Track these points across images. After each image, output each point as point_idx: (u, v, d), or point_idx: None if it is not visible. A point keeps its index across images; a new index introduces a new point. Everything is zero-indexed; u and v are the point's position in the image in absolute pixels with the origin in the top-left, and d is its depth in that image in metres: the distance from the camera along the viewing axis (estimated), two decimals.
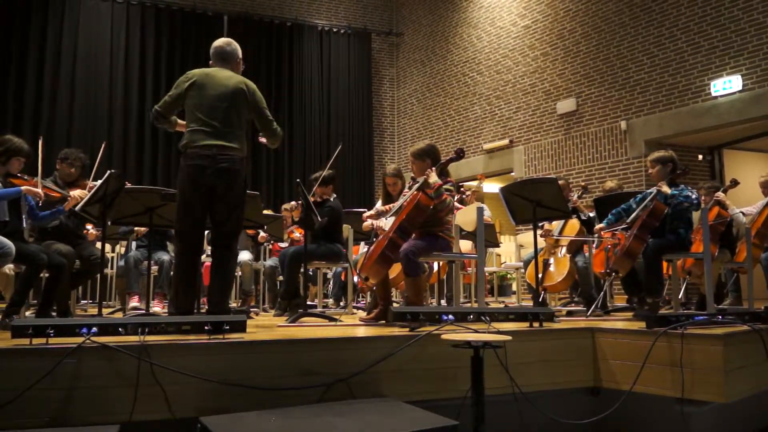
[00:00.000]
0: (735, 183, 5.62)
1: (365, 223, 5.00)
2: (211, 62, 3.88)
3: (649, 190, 4.49)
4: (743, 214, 5.65)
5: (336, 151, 5.32)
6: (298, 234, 6.51)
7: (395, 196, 4.68)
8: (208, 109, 3.60)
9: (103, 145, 4.74)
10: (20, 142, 4.02)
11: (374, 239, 4.48)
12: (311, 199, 4.89)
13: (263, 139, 3.98)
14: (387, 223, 4.48)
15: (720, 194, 5.56)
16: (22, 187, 3.77)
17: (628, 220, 4.31)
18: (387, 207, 4.59)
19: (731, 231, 5.66)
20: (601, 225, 4.49)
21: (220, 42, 3.94)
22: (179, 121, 3.84)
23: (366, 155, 12.48)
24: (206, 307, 3.77)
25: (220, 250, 3.68)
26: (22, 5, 10.24)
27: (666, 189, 4.29)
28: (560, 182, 4.70)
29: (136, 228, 5.67)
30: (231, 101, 3.66)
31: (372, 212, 4.82)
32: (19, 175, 3.95)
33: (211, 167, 3.53)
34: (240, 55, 3.92)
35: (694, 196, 4.26)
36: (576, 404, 3.44)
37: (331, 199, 5.46)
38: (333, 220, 5.26)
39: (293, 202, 5.92)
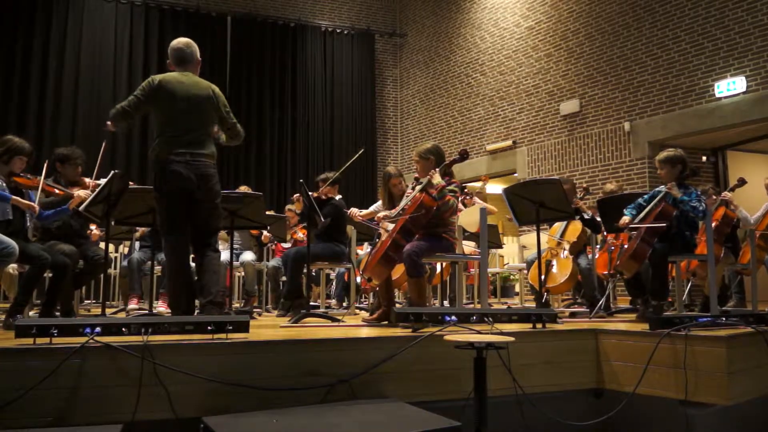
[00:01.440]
0: (742, 182, 5.58)
1: (352, 210, 5.04)
2: (169, 62, 3.88)
3: (658, 189, 4.43)
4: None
5: (357, 154, 5.39)
6: (301, 234, 6.52)
7: (397, 196, 4.68)
8: (179, 120, 3.68)
9: (103, 146, 4.74)
10: (21, 142, 4.03)
11: (377, 240, 4.48)
12: (314, 195, 4.90)
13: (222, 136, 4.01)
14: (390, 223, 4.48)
15: (727, 193, 5.53)
16: (12, 198, 3.77)
17: (636, 220, 4.28)
18: (391, 212, 4.58)
19: (736, 232, 5.64)
20: (627, 218, 4.38)
21: (178, 44, 3.90)
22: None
23: (369, 156, 12.46)
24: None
25: (204, 249, 3.76)
26: (26, 6, 10.27)
27: (676, 192, 4.21)
28: (566, 186, 4.68)
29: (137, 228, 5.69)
30: (201, 110, 3.75)
31: (376, 212, 4.82)
32: (21, 174, 3.96)
33: (186, 173, 3.62)
34: (198, 56, 3.95)
35: (701, 208, 4.14)
36: (579, 406, 3.44)
37: (336, 198, 5.48)
38: (336, 218, 5.29)
39: (296, 195, 5.97)
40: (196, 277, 3.77)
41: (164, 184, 3.65)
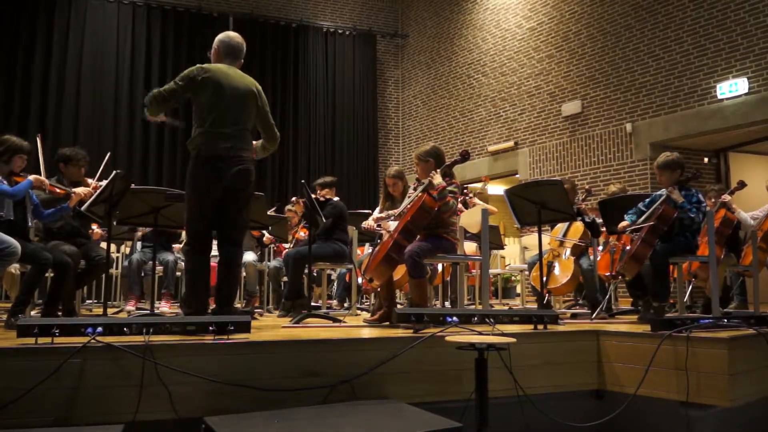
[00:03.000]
0: (742, 185, 5.59)
1: (366, 222, 5.02)
2: (212, 53, 3.80)
3: (658, 192, 4.45)
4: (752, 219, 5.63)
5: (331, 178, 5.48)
6: (303, 234, 6.51)
7: (397, 197, 4.69)
8: (224, 112, 3.60)
9: (107, 156, 4.71)
10: (19, 141, 4.03)
11: (379, 241, 4.48)
12: (314, 196, 4.90)
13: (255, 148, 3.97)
14: (392, 224, 4.48)
15: (726, 196, 5.54)
16: (31, 177, 3.80)
17: (638, 222, 4.29)
18: (392, 212, 4.58)
19: (738, 234, 5.63)
20: (626, 222, 4.42)
21: (230, 36, 3.84)
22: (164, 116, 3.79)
23: (370, 157, 12.49)
24: (213, 306, 3.76)
25: (230, 247, 3.70)
26: (28, 6, 10.29)
27: (677, 196, 4.22)
28: (566, 186, 4.69)
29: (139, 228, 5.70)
30: (245, 104, 3.69)
31: (382, 214, 4.81)
32: (22, 174, 3.96)
33: (227, 169, 3.55)
34: (243, 57, 3.89)
35: (698, 219, 4.21)
36: (580, 407, 3.43)
37: (334, 199, 5.51)
38: (336, 218, 5.32)
39: (294, 198, 6.01)
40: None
41: (200, 178, 3.56)
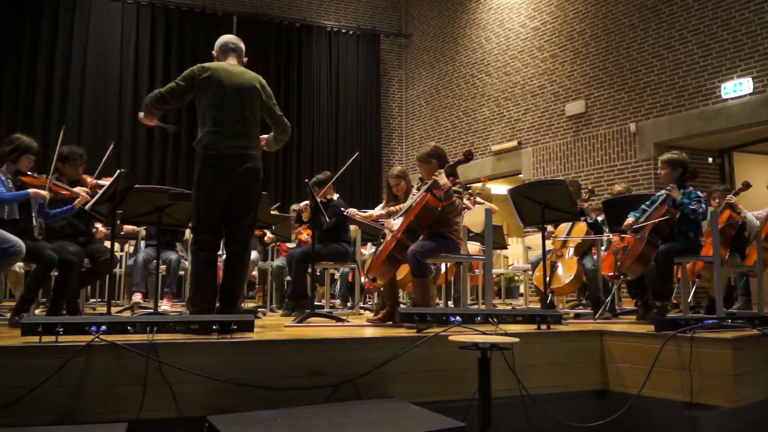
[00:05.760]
0: (747, 186, 5.58)
1: (350, 209, 5.03)
2: (215, 54, 3.84)
3: (659, 193, 4.46)
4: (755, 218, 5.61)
5: (352, 158, 5.30)
6: (305, 235, 6.52)
7: (401, 196, 4.68)
8: (228, 109, 3.59)
9: (110, 147, 4.70)
10: (30, 141, 4.03)
11: (382, 240, 4.48)
12: (319, 198, 4.90)
13: (263, 142, 3.94)
14: (395, 223, 4.48)
15: (731, 197, 5.53)
16: (30, 190, 3.78)
17: (640, 221, 4.30)
18: (397, 207, 4.58)
19: (742, 234, 5.62)
20: (631, 219, 4.43)
21: (231, 37, 3.91)
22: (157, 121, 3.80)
23: (374, 156, 12.48)
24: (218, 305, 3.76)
25: (237, 246, 3.69)
26: (33, 6, 10.31)
27: (676, 195, 4.24)
28: (571, 188, 4.68)
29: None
30: (249, 100, 3.67)
31: (383, 211, 4.81)
32: (29, 173, 3.97)
33: (234, 168, 3.56)
34: (244, 55, 3.92)
35: (701, 210, 4.20)
36: (583, 407, 3.43)
37: (335, 198, 5.50)
38: (338, 217, 5.32)
39: (303, 203, 5.98)
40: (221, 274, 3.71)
41: (208, 178, 3.55)
